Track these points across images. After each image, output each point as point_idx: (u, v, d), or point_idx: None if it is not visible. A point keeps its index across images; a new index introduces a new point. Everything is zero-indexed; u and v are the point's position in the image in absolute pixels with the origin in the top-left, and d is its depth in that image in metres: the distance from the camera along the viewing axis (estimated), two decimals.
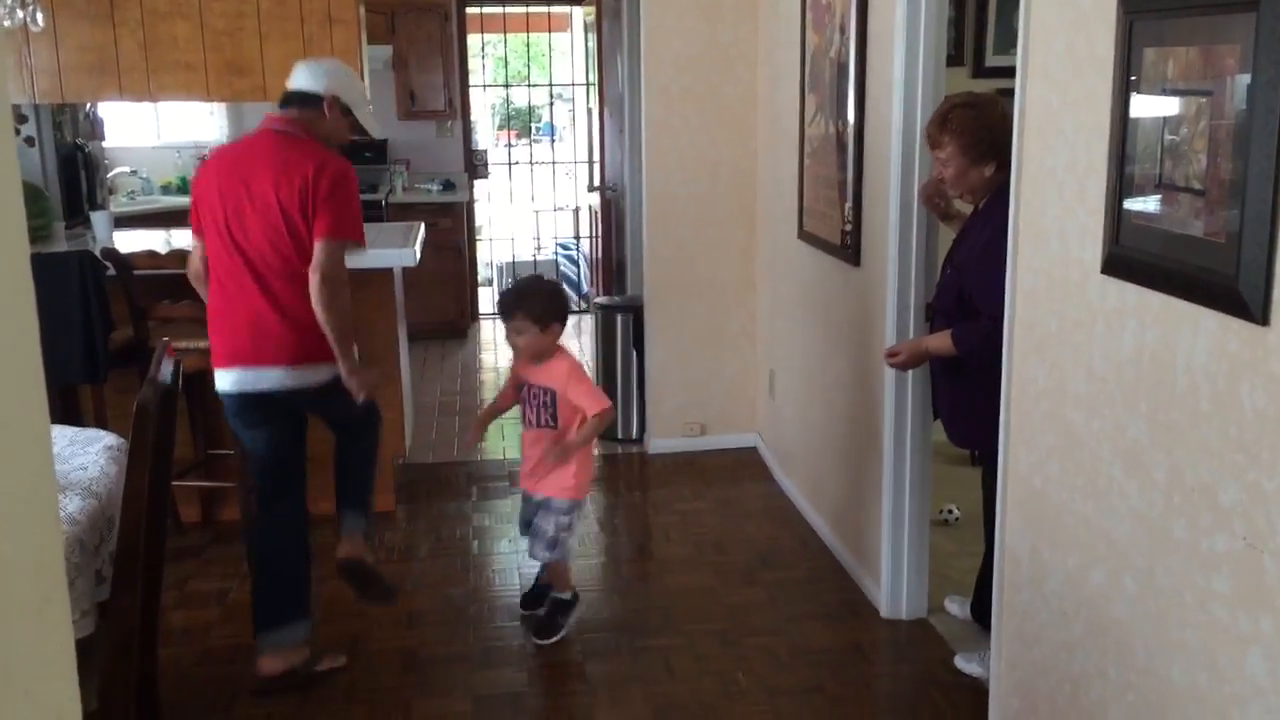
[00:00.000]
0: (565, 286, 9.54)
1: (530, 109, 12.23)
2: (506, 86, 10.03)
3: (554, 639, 3.61)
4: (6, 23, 2.94)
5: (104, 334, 4.07)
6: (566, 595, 3.70)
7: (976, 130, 3.10)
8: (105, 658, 2.39)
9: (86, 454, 2.79)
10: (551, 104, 10.98)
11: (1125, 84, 2.23)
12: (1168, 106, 2.13)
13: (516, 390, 3.67)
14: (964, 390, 3.28)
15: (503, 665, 3.52)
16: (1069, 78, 2.49)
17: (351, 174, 3.32)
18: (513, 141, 12.49)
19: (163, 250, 4.14)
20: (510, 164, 10.03)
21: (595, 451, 3.66)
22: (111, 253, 4.03)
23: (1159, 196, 2.16)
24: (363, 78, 4.91)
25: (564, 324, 3.56)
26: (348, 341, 3.30)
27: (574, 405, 3.52)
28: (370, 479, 3.69)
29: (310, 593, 3.46)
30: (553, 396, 3.51)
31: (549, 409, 3.53)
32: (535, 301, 3.48)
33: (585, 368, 3.57)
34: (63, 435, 2.96)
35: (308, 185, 3.22)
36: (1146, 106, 2.19)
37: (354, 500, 3.62)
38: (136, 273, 4.05)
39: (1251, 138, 1.86)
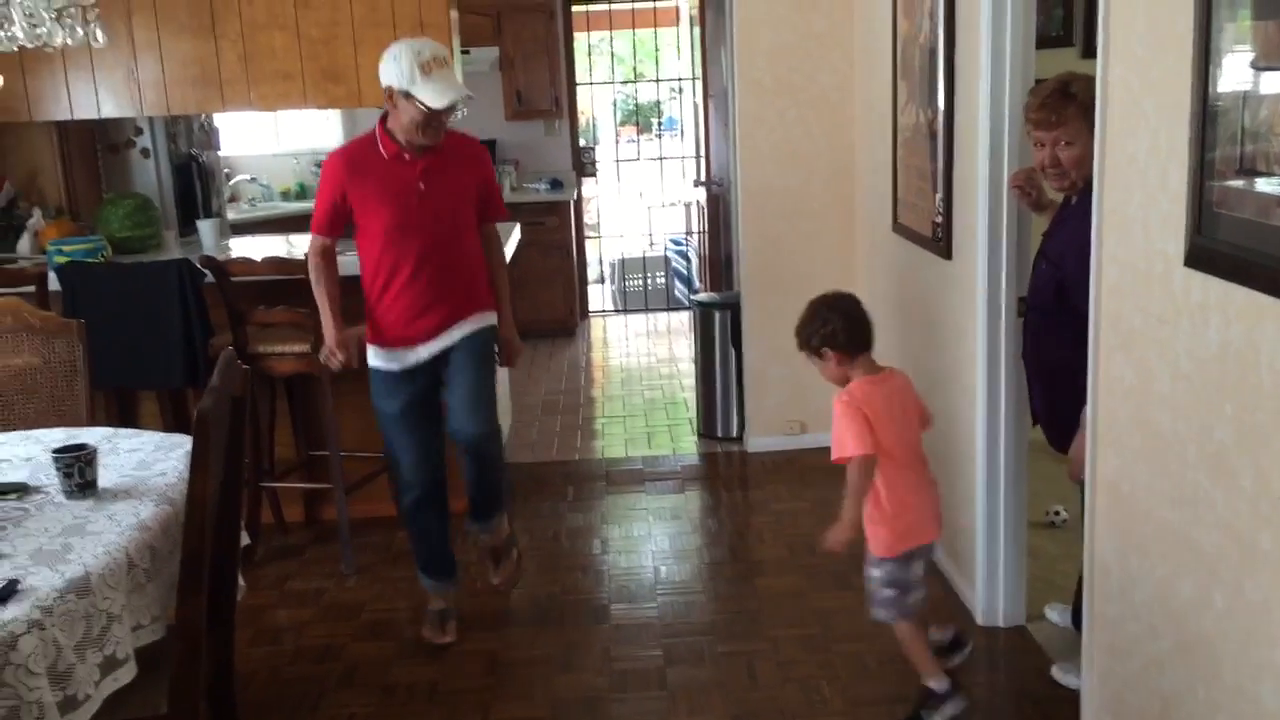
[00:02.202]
0: (678, 281, 9.56)
1: (653, 104, 12.22)
2: (613, 84, 10.02)
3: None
4: (70, 40, 3.03)
5: (203, 339, 4.18)
6: (931, 683, 3.09)
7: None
8: (174, 662, 2.44)
9: (168, 460, 2.86)
10: (675, 97, 10.91)
11: (1204, 62, 2.08)
12: (1248, 85, 1.98)
13: None
14: (1061, 393, 3.10)
15: (583, 669, 3.50)
16: (1150, 56, 2.34)
17: (325, 163, 3.59)
18: (635, 137, 12.51)
19: (283, 254, 4.23)
20: (618, 161, 10.02)
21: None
22: (210, 260, 4.13)
23: (1240, 183, 2.01)
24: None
25: (839, 346, 3.05)
26: (318, 304, 3.69)
27: None
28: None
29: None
30: None
31: None
32: (801, 331, 3.12)
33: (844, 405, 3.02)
34: (150, 440, 3.04)
35: None
36: (1226, 86, 2.03)
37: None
38: (234, 279, 4.15)
39: None
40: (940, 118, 3.75)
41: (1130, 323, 2.48)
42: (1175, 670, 2.37)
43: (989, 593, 3.62)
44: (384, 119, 3.50)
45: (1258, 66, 1.95)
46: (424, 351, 3.60)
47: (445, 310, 3.60)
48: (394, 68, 3.36)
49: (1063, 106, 2.96)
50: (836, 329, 3.04)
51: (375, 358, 3.64)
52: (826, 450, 5.28)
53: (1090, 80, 2.90)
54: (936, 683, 3.06)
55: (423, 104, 3.33)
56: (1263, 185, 1.94)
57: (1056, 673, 3.29)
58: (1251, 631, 2.06)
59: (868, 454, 2.94)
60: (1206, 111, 2.09)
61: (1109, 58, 2.53)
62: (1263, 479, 1.99)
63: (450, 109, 3.40)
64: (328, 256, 3.63)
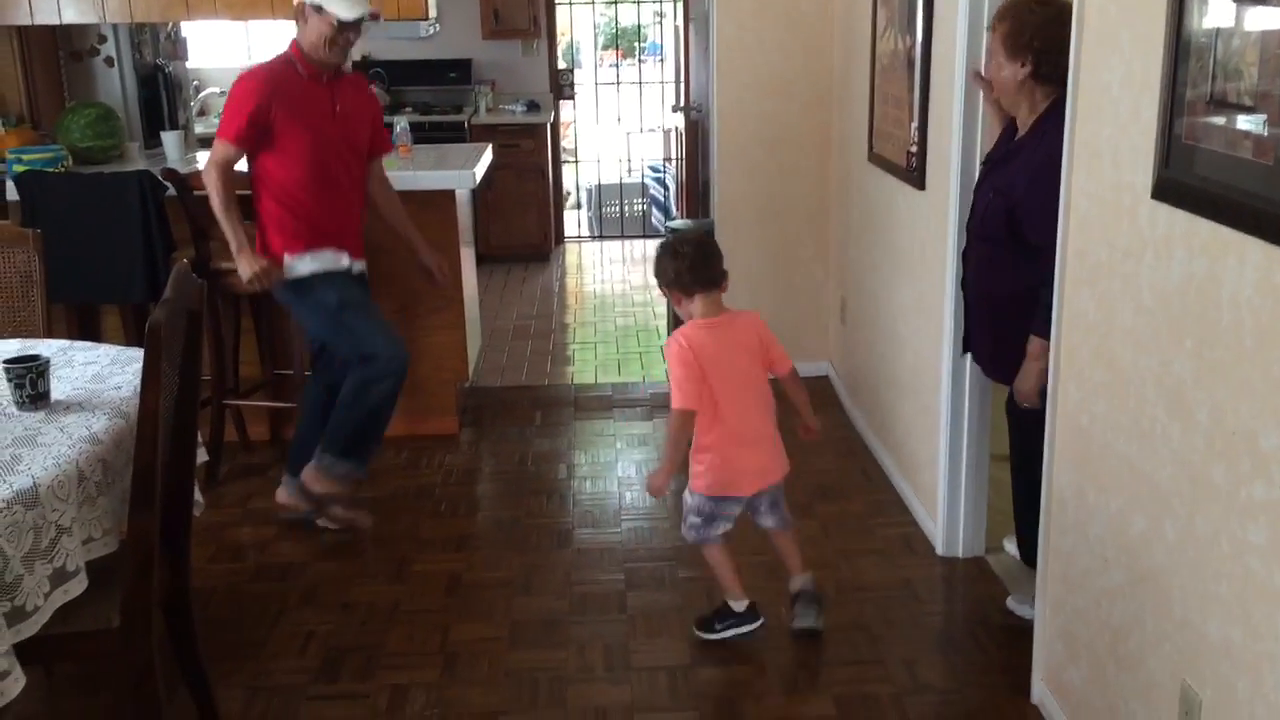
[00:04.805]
0: (655, 208, 9.49)
1: (636, 28, 11.98)
2: (593, 4, 9.82)
3: (703, 635, 3.20)
4: None
5: (165, 254, 4.12)
6: (732, 603, 3.20)
7: (1024, 23, 2.87)
8: (126, 575, 2.43)
9: (123, 374, 2.82)
10: (658, 21, 10.70)
11: None
12: (1221, 15, 1.94)
13: None
14: (1009, 324, 3.07)
15: (544, 592, 3.51)
16: None
17: (243, 79, 3.59)
18: (617, 61, 12.30)
19: None
20: (597, 84, 9.89)
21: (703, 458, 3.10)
22: (171, 173, 4.06)
23: (1210, 115, 1.98)
24: None
25: (682, 287, 3.03)
26: (228, 226, 3.61)
27: None
28: (341, 416, 3.75)
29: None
30: None
31: None
32: (656, 267, 3.10)
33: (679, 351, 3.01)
34: (106, 354, 3.00)
35: None
36: (1200, 15, 1.99)
37: (327, 438, 3.79)
38: (196, 193, 4.07)
39: None
40: (918, 46, 3.69)
41: (1096, 256, 2.46)
42: (1125, 602, 2.39)
43: (949, 523, 3.64)
44: (295, 42, 3.62)
45: None
46: (356, 266, 3.80)
47: (356, 233, 3.81)
48: None
49: (997, 19, 2.98)
50: (681, 269, 3.02)
51: (316, 261, 3.69)
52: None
53: (1035, 5, 2.88)
54: (736, 602, 3.18)
55: (333, 16, 3.48)
56: (1232, 119, 1.91)
57: (1011, 603, 3.33)
58: (1200, 565, 2.07)
59: (687, 409, 2.97)
60: (1180, 42, 2.05)
61: None
62: (1218, 414, 1.99)
63: (358, 24, 3.55)
64: (232, 171, 3.62)
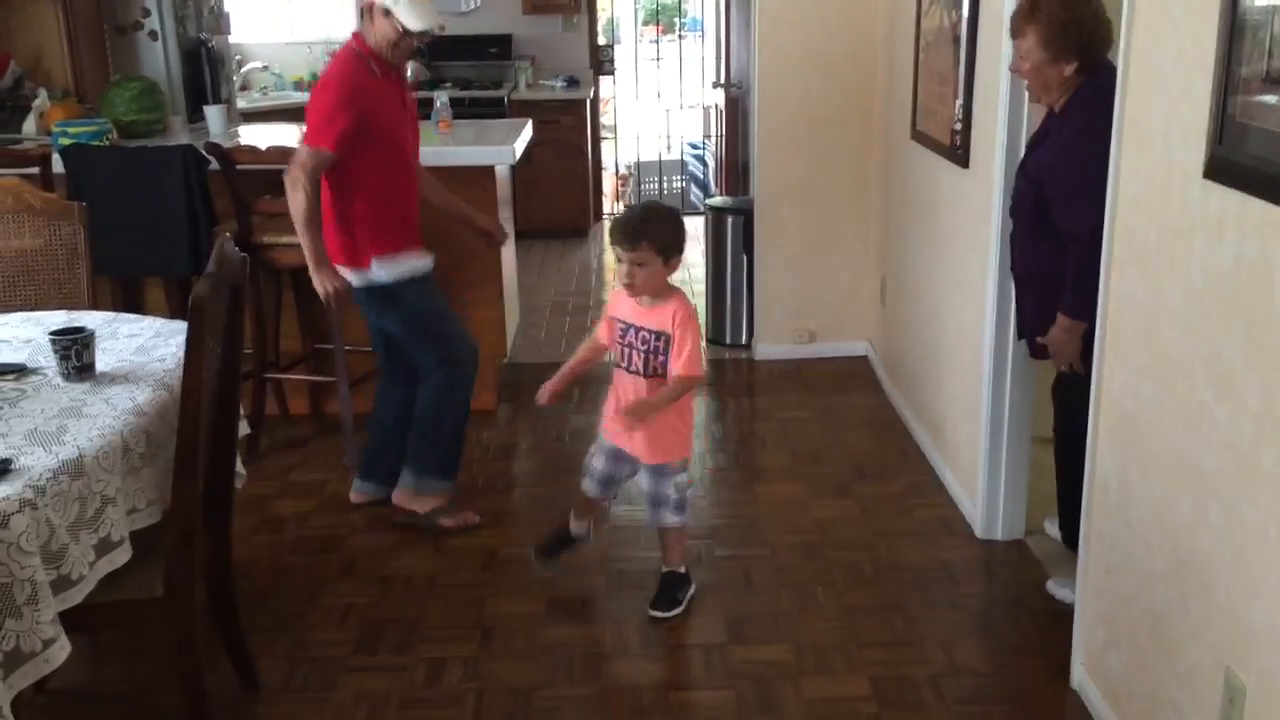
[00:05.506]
0: (694, 186, 9.46)
1: (679, 3, 11.90)
2: None
3: (673, 613, 3.23)
4: None
5: (207, 228, 4.15)
6: (682, 568, 3.32)
7: (1064, 23, 2.83)
8: (169, 546, 2.46)
9: (167, 346, 2.85)
10: None
11: None
12: None
13: (609, 337, 3.24)
14: (1049, 303, 3.05)
15: (580, 569, 3.52)
16: None
17: (332, 80, 3.48)
18: (657, 37, 12.23)
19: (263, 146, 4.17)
20: (637, 60, 9.84)
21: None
22: (214, 147, 4.08)
23: (1264, 93, 1.94)
24: None
25: (682, 257, 3.16)
26: (304, 238, 3.51)
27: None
28: (430, 434, 3.72)
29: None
30: (667, 341, 3.07)
31: (662, 355, 3.09)
32: (662, 229, 3.04)
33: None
34: (150, 327, 3.03)
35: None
36: None
37: (411, 453, 3.77)
38: (238, 167, 4.10)
39: None
40: (964, 21, 3.64)
41: (1145, 236, 2.42)
42: (1168, 588, 2.36)
43: (989, 505, 3.61)
44: (359, 36, 3.53)
45: None
46: (431, 262, 3.73)
47: (420, 229, 3.75)
48: None
49: (1023, 23, 2.94)
50: (685, 238, 3.17)
51: (406, 266, 3.61)
52: (836, 360, 5.34)
53: (1064, 1, 2.85)
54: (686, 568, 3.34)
55: (400, 25, 3.42)
56: None
57: (1052, 587, 3.30)
58: (1246, 552, 2.04)
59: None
60: (1235, 19, 2.01)
61: None
62: (1269, 399, 1.95)
63: (424, 34, 3.48)
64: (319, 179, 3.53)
